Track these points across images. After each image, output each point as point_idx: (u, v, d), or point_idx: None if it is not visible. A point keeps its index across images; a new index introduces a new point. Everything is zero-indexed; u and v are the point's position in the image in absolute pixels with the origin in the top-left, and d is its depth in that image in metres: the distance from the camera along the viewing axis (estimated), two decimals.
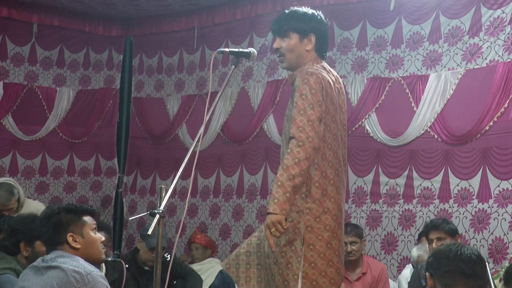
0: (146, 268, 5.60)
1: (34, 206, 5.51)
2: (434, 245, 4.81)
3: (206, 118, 3.09)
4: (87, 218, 3.27)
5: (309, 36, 3.64)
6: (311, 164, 3.42)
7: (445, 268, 2.78)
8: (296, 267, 3.45)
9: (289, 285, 3.44)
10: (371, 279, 5.35)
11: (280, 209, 3.30)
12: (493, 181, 5.56)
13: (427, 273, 2.86)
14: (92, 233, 3.26)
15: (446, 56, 5.97)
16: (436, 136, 5.93)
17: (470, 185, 5.70)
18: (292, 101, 3.52)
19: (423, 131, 5.99)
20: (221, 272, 5.87)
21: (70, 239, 3.17)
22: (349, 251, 5.50)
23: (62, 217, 3.20)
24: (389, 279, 5.51)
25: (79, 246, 3.18)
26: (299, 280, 3.46)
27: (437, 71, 5.99)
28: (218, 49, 3.35)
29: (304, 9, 3.71)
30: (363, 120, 6.32)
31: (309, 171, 3.43)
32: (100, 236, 3.32)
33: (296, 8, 3.71)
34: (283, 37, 3.66)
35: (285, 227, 3.34)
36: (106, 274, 4.93)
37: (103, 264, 4.97)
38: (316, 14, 3.71)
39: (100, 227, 4.92)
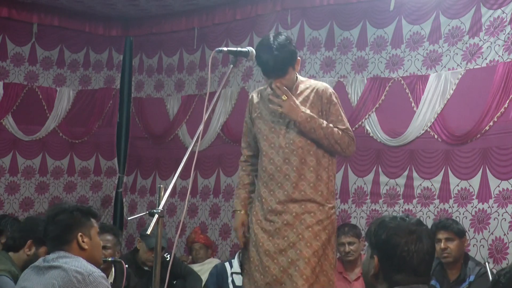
0: (146, 268, 5.60)
1: None
2: (442, 245, 4.83)
3: (205, 117, 3.11)
4: (94, 221, 3.28)
5: (297, 61, 3.77)
6: (332, 152, 3.83)
7: None
8: (332, 257, 3.82)
9: (328, 274, 3.75)
10: None
11: (305, 116, 3.69)
12: (493, 181, 5.56)
13: None
14: (97, 236, 3.28)
15: (446, 56, 5.96)
16: (436, 136, 5.92)
17: (470, 185, 5.70)
18: (311, 104, 3.78)
19: (423, 131, 5.98)
20: (215, 266, 5.95)
21: (80, 239, 3.17)
22: (347, 251, 5.50)
23: (75, 216, 3.20)
24: None
25: (86, 246, 3.18)
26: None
27: (437, 71, 5.99)
28: (217, 48, 3.34)
29: (277, 38, 3.68)
30: (363, 120, 6.32)
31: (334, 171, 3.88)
32: (100, 241, 3.34)
33: (269, 42, 3.67)
34: (283, 76, 3.72)
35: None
36: (115, 280, 4.94)
37: (113, 270, 4.97)
38: (286, 36, 3.80)
39: (107, 230, 4.93)
